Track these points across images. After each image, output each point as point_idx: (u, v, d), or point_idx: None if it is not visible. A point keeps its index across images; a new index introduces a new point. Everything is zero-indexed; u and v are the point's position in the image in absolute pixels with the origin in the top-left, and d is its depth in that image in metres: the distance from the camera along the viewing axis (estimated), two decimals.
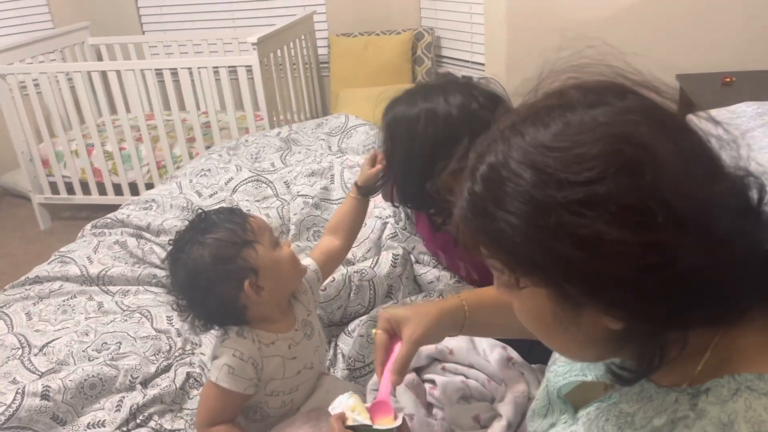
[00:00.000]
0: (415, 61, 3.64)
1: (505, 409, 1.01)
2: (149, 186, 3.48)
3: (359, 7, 3.83)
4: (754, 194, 0.59)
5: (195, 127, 3.30)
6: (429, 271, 1.47)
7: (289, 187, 1.96)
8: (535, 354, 1.15)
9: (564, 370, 0.82)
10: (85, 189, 3.58)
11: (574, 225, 0.54)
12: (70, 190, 3.57)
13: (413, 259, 1.51)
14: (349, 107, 3.38)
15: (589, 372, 0.78)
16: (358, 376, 1.29)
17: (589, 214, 0.54)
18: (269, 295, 1.08)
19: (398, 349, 0.97)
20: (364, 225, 1.63)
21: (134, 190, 3.51)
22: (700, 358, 0.61)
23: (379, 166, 1.31)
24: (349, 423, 0.92)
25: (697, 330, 0.60)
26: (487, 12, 3.18)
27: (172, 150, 3.42)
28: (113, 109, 3.84)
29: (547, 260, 0.57)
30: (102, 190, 3.56)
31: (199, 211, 1.14)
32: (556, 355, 0.93)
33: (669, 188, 0.53)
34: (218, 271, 1.03)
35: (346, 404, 0.96)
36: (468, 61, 3.48)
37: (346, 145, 2.38)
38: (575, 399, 0.82)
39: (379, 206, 1.73)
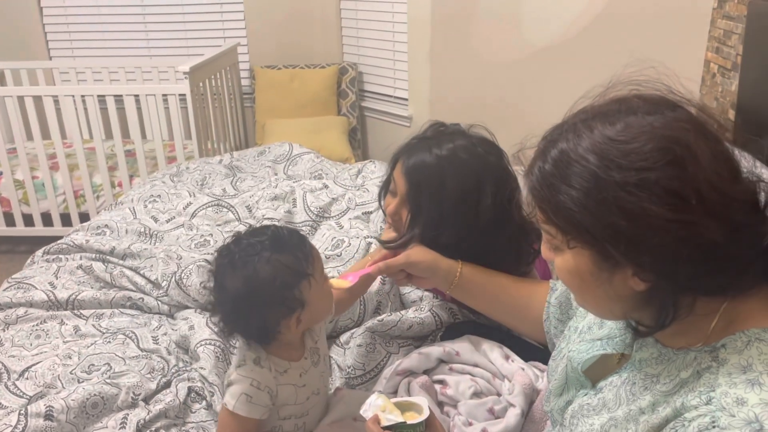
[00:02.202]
0: (340, 94, 3.79)
1: (517, 399, 1.14)
2: (65, 216, 3.34)
3: (281, 40, 3.93)
4: (762, 197, 0.77)
5: (119, 155, 3.22)
6: (413, 291, 1.56)
7: (251, 211, 2.00)
8: (525, 353, 1.30)
9: (586, 347, 0.96)
10: None
11: (626, 201, 0.71)
12: None
13: None
14: (275, 137, 3.45)
15: (608, 346, 0.93)
16: (358, 383, 1.36)
17: (638, 193, 0.71)
18: (304, 326, 1.10)
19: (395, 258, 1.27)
20: (348, 245, 1.72)
21: (47, 220, 3.35)
22: (709, 322, 0.78)
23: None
24: (384, 424, 0.99)
25: (706, 297, 0.77)
26: (410, 49, 3.39)
27: (92, 179, 3.31)
28: (28, 136, 3.66)
29: (598, 226, 0.74)
30: (9, 221, 3.36)
31: (272, 224, 1.13)
32: (562, 345, 1.07)
33: (703, 181, 0.71)
34: (276, 296, 1.03)
35: (376, 405, 1.03)
36: (391, 96, 3.67)
37: (293, 172, 2.45)
38: (591, 375, 0.96)
39: (356, 227, 1.83)
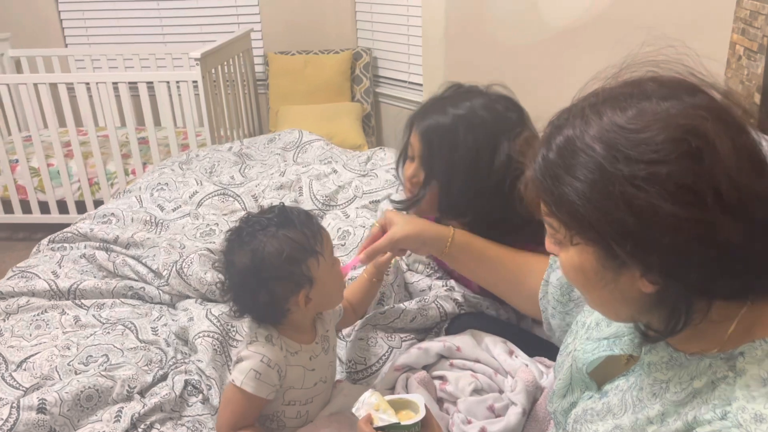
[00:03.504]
0: (354, 80, 3.73)
1: (519, 397, 1.10)
2: (80, 204, 3.35)
3: (295, 25, 3.88)
4: None
5: (132, 142, 3.22)
6: (421, 280, 1.52)
7: (257, 200, 1.97)
8: (531, 348, 1.25)
9: (592, 347, 0.90)
10: (7, 207, 3.39)
11: (634, 196, 0.64)
12: None
13: (405, 267, 1.57)
14: (288, 124, 3.42)
15: (615, 347, 0.86)
16: (359, 378, 1.32)
17: (648, 189, 0.64)
18: (314, 307, 1.10)
19: (379, 240, 1.21)
20: (352, 234, 1.68)
21: (63, 208, 3.37)
22: (726, 327, 0.71)
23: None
24: (377, 424, 0.95)
25: (722, 301, 0.69)
26: (424, 34, 3.32)
27: (106, 166, 3.31)
28: (43, 123, 3.68)
29: (603, 223, 0.67)
30: (26, 209, 3.39)
31: (280, 203, 1.14)
32: (569, 340, 1.02)
33: (721, 177, 0.63)
34: (283, 270, 1.04)
35: (369, 403, 0.98)
36: (405, 81, 3.61)
37: (302, 159, 2.42)
38: (596, 376, 0.90)
39: (362, 216, 1.79)
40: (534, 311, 1.20)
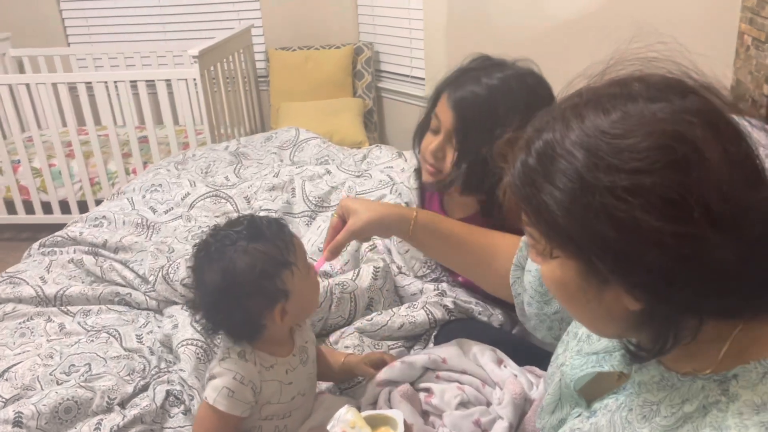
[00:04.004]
0: (355, 75, 3.68)
1: (506, 411, 1.05)
2: (82, 204, 3.34)
3: (296, 21, 3.83)
4: None
5: (132, 141, 3.19)
6: (412, 283, 1.48)
7: (249, 202, 1.94)
8: (523, 357, 1.20)
9: (580, 363, 0.85)
10: (10, 208, 3.39)
11: (615, 208, 0.59)
12: None
13: (395, 270, 1.53)
14: (290, 121, 3.38)
15: (605, 363, 0.81)
16: (346, 387, 1.29)
17: (630, 200, 0.58)
18: (291, 319, 1.06)
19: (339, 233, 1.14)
20: None
21: (65, 208, 3.36)
22: (720, 347, 0.65)
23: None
24: None
25: (714, 319, 0.64)
26: (426, 27, 3.26)
27: (107, 166, 3.29)
28: (42, 123, 3.67)
29: (583, 236, 0.62)
30: (29, 209, 3.38)
31: (248, 213, 1.09)
32: (559, 350, 0.97)
33: (711, 189, 0.57)
34: (257, 286, 0.99)
35: (345, 420, 0.95)
36: (408, 76, 3.55)
37: (299, 158, 2.38)
38: (587, 393, 0.85)
39: None
40: (505, 294, 1.15)
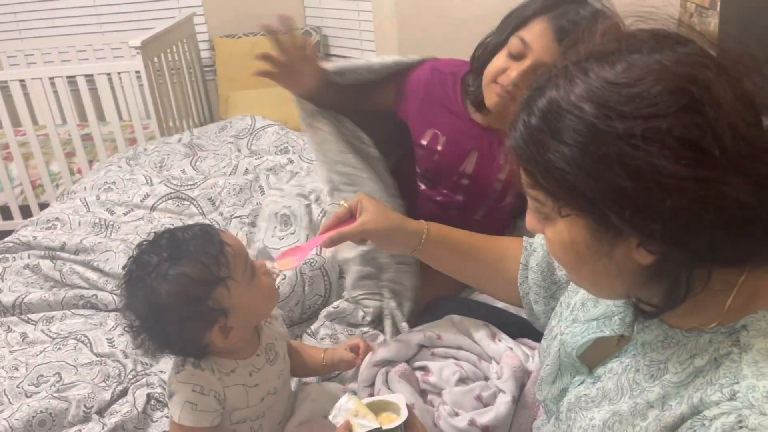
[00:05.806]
0: None
1: (507, 384, 1.04)
2: (24, 208, 3.17)
3: (239, 7, 3.72)
4: None
5: (74, 139, 3.04)
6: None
7: (214, 204, 1.86)
8: (514, 329, 1.19)
9: (581, 329, 0.85)
10: None
11: (631, 157, 0.58)
12: None
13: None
14: (240, 110, 3.28)
15: (605, 327, 0.81)
16: (331, 377, 1.25)
17: (647, 147, 0.57)
18: (238, 333, 0.97)
19: (348, 226, 1.08)
20: (290, 214, 1.56)
21: (6, 214, 3.19)
22: (724, 299, 0.65)
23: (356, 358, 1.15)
24: (357, 431, 0.89)
25: (722, 269, 0.64)
26: (375, 9, 3.22)
27: (49, 167, 3.13)
28: None
29: (597, 190, 0.61)
30: None
31: (167, 228, 0.98)
32: (553, 323, 0.96)
33: (726, 129, 0.57)
34: (186, 312, 0.91)
35: (347, 409, 0.92)
36: (359, 59, 3.50)
37: (257, 146, 2.31)
38: (586, 359, 0.85)
39: (301, 185, 1.69)
40: (513, 298, 1.13)
